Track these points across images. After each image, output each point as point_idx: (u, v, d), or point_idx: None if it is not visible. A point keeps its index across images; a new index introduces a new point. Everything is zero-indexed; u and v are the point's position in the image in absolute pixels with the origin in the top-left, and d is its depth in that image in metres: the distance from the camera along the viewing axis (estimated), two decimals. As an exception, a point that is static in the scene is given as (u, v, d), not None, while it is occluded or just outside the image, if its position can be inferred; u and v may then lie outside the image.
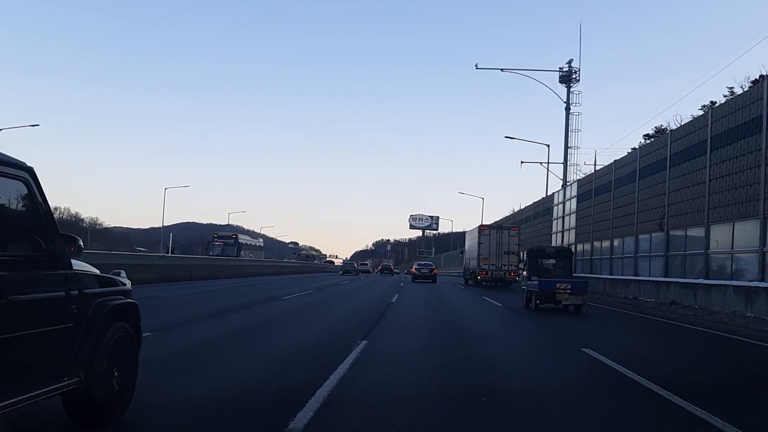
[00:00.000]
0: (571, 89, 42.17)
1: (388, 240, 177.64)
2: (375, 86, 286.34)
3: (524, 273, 18.92)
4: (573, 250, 27.53)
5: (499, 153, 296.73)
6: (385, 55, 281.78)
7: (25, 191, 3.86)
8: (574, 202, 33.91)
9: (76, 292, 4.17)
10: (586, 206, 31.44)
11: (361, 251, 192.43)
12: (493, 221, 61.48)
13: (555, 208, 38.51)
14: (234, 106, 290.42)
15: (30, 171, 3.91)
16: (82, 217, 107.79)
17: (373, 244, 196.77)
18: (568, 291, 15.61)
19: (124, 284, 4.98)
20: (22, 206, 3.88)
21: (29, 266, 3.80)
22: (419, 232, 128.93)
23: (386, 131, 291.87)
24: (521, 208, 50.94)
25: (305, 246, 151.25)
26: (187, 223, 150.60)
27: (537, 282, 16.05)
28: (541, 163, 45.27)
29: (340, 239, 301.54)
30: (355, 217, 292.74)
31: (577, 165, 50.28)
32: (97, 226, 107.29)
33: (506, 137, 42.72)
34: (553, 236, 38.55)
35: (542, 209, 42.30)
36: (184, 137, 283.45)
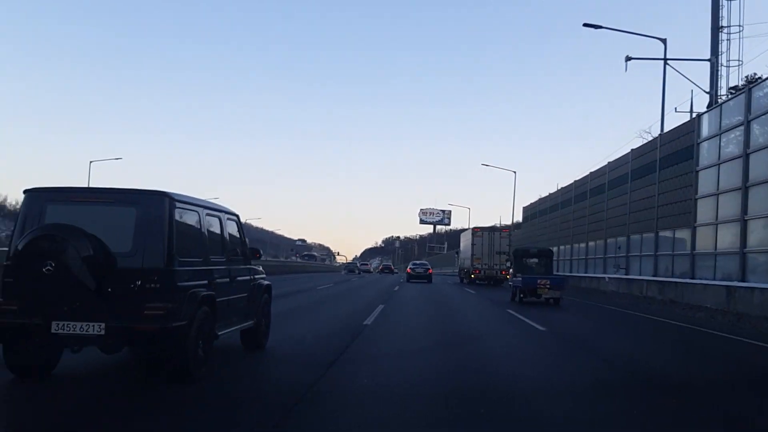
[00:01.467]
0: None
1: (398, 237, 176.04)
2: (381, 50, 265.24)
3: (511, 270, 22.59)
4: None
5: (546, 93, 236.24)
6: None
7: (236, 226, 7.84)
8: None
9: (251, 277, 8.15)
10: None
11: (371, 249, 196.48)
12: (536, 199, 45.81)
13: (702, 147, 20.44)
14: (231, 101, 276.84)
15: (237, 216, 7.90)
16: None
17: (383, 242, 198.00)
18: (548, 286, 19.23)
19: (263, 272, 8.92)
20: (234, 233, 7.84)
21: (237, 263, 7.74)
22: (430, 228, 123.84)
23: (393, 108, 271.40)
24: (596, 169, 32.28)
25: (314, 244, 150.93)
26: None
27: (521, 278, 19.74)
28: (665, 60, 26.74)
29: (350, 237, 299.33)
30: (365, 215, 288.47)
31: (740, 63, 26.41)
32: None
33: (585, 25, 26.29)
34: (701, 203, 19.98)
35: (661, 156, 23.49)
36: (184, 133, 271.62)
